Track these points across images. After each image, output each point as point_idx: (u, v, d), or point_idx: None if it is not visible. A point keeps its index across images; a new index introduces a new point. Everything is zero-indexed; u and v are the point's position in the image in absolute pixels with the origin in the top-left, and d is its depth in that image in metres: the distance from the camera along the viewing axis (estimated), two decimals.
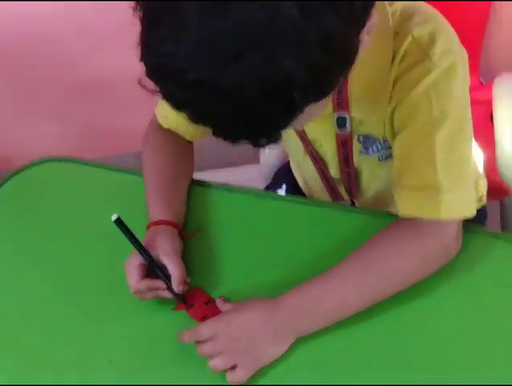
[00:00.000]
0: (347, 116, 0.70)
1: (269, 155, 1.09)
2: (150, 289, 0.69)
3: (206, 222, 0.80)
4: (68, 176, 0.95)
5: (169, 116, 0.81)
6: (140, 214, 0.77)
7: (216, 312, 0.68)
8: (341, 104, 0.68)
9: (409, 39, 0.63)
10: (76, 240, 0.82)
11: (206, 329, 0.64)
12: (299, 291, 0.64)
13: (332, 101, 0.68)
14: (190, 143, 0.85)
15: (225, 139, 0.52)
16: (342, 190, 0.86)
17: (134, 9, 0.49)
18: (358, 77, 0.62)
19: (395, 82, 0.65)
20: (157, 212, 0.74)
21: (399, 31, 0.63)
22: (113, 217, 0.68)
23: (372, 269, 0.64)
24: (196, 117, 0.51)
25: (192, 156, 0.85)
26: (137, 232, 0.70)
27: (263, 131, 0.50)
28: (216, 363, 0.62)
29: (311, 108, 0.51)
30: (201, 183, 0.85)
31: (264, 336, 0.63)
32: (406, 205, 0.66)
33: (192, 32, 0.45)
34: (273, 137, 0.51)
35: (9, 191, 0.94)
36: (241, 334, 0.63)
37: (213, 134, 0.52)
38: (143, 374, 0.66)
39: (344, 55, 0.49)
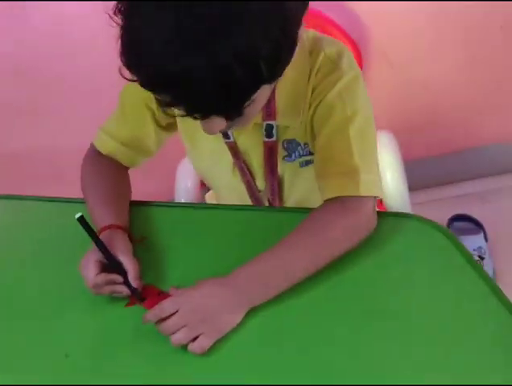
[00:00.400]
0: (274, 124, 0.84)
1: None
2: (108, 282, 0.73)
3: (149, 232, 0.86)
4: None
5: (108, 143, 0.90)
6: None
7: None
8: (269, 114, 0.83)
9: (322, 55, 0.80)
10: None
11: (169, 304, 0.69)
12: (248, 266, 0.73)
13: (262, 112, 0.83)
14: (126, 169, 0.93)
15: (202, 115, 0.62)
16: (265, 202, 0.98)
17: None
18: (283, 89, 0.78)
19: (313, 90, 0.81)
20: (107, 219, 0.79)
21: (313, 50, 0.80)
22: (77, 215, 0.73)
23: (311, 241, 0.74)
24: (177, 97, 0.60)
25: (129, 180, 0.92)
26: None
27: (238, 101, 0.62)
28: (180, 336, 0.67)
29: (263, 92, 0.64)
30: (141, 202, 0.92)
31: (221, 307, 0.70)
32: (331, 188, 0.79)
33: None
34: (240, 110, 0.63)
35: None
36: (201, 307, 0.69)
37: (188, 112, 0.62)
38: (99, 365, 0.70)
39: (292, 44, 0.63)
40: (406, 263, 0.79)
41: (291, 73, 0.73)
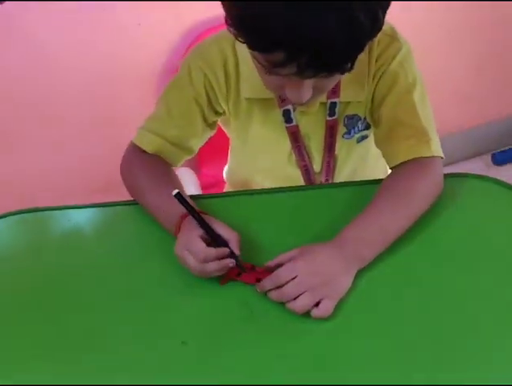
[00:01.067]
0: (337, 101, 0.88)
1: None
2: (217, 256, 0.72)
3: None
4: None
5: (154, 141, 0.89)
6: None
7: (266, 274, 0.73)
8: (334, 91, 0.86)
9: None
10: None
11: (286, 270, 0.70)
12: (349, 230, 0.75)
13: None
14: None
15: (315, 70, 0.64)
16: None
17: None
18: None
19: (376, 61, 0.85)
20: (180, 209, 0.77)
21: None
22: (174, 192, 0.74)
23: (400, 201, 0.78)
24: (299, 52, 0.61)
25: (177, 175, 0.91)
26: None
27: (359, 50, 0.65)
28: (304, 301, 0.68)
29: None
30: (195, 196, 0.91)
31: (338, 268, 0.72)
32: (404, 151, 0.83)
33: None
34: (354, 62, 0.67)
35: None
36: (320, 269, 0.71)
37: (303, 68, 0.63)
38: (217, 351, 0.69)
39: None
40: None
41: None
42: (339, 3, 0.59)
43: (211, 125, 0.94)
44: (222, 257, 0.73)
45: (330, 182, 1.00)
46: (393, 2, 0.66)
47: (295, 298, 0.69)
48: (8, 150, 1.50)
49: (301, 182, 0.99)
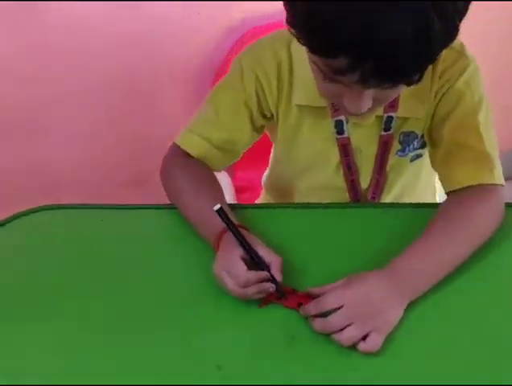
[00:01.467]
0: (394, 115, 0.82)
1: None
2: (258, 280, 0.68)
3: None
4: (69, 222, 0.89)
5: (200, 145, 0.85)
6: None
7: (309, 299, 0.69)
8: (392, 104, 0.81)
9: None
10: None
11: (332, 297, 0.66)
12: (404, 258, 0.70)
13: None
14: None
15: (380, 80, 0.59)
16: (365, 201, 0.95)
17: None
18: None
19: (440, 78, 0.79)
20: (220, 222, 0.72)
21: None
22: (216, 207, 0.70)
23: (461, 228, 0.73)
24: (364, 57, 0.56)
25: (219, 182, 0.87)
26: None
27: (433, 56, 0.59)
28: (351, 333, 0.63)
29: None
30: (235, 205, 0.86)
31: (388, 300, 0.66)
32: (465, 176, 0.78)
33: None
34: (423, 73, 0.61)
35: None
36: (368, 300, 0.66)
37: (367, 76, 0.58)
38: (253, 379, 0.63)
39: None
40: None
41: None
42: (413, 4, 0.53)
43: (258, 130, 0.90)
44: (262, 281, 0.68)
45: (377, 200, 0.94)
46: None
47: (340, 329, 0.64)
48: (35, 138, 1.48)
49: (346, 196, 0.94)
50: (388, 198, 0.95)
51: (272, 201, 1.10)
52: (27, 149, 1.50)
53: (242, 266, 0.68)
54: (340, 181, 0.92)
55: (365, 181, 0.91)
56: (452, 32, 0.58)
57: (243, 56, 0.86)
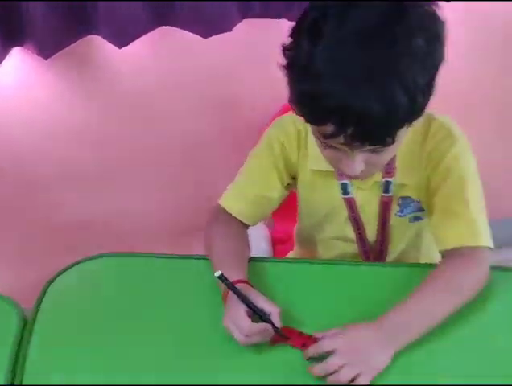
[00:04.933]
0: (392, 180, 0.96)
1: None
2: (260, 330, 0.82)
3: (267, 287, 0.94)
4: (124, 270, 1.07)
5: (236, 204, 1.02)
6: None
7: (313, 340, 0.83)
8: (389, 171, 0.94)
9: (435, 121, 0.93)
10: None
11: (328, 341, 0.80)
12: (393, 313, 0.82)
13: (382, 171, 0.94)
14: (247, 227, 1.05)
15: (361, 142, 0.75)
16: (372, 254, 1.08)
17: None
18: (401, 150, 0.90)
19: (429, 153, 0.93)
20: (235, 275, 0.87)
21: (425, 117, 0.92)
22: (217, 273, 0.82)
23: (446, 289, 0.85)
24: (344, 126, 0.73)
25: (248, 239, 1.03)
26: None
27: (396, 128, 0.75)
28: (346, 373, 0.76)
29: (401, 135, 0.78)
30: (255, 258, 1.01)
31: (376, 347, 0.79)
32: (453, 238, 0.90)
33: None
34: (394, 137, 0.76)
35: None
36: (360, 347, 0.79)
37: (350, 139, 0.74)
38: None
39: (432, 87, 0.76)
40: None
41: (408, 135, 0.86)
42: (380, 84, 0.70)
43: (287, 187, 1.05)
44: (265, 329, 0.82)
45: (385, 253, 1.07)
46: None
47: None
48: (110, 189, 1.67)
49: (356, 247, 1.07)
50: (394, 252, 1.07)
51: (299, 250, 1.26)
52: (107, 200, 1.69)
53: (247, 320, 0.82)
54: (350, 233, 1.05)
55: (371, 235, 1.04)
56: (413, 105, 0.73)
57: (271, 129, 1.03)
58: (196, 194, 1.67)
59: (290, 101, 0.79)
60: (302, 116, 0.78)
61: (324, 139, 0.78)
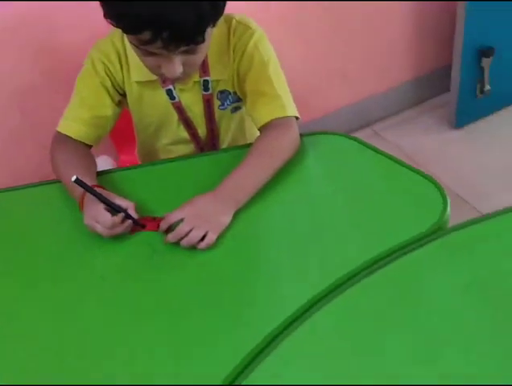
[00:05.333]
0: (209, 79, 1.10)
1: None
2: (120, 220, 0.94)
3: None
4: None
5: (73, 127, 1.10)
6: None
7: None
8: (205, 70, 1.09)
9: (234, 20, 1.08)
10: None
11: (175, 213, 0.94)
12: (228, 178, 0.98)
13: (199, 71, 1.08)
14: (90, 147, 1.14)
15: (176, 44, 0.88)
16: (206, 149, 1.22)
17: None
18: (212, 50, 1.04)
19: (234, 46, 1.08)
20: (87, 181, 0.95)
21: (226, 18, 1.07)
22: (73, 178, 0.91)
23: (265, 156, 1.02)
24: (159, 32, 0.84)
25: (93, 157, 1.13)
26: None
27: (204, 28, 0.88)
28: (195, 234, 0.90)
29: (208, 36, 0.92)
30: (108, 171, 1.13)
31: (218, 209, 0.95)
32: (265, 115, 1.07)
33: None
34: (204, 36, 0.90)
35: None
36: (203, 211, 0.94)
37: (165, 43, 0.86)
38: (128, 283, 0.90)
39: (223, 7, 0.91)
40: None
41: (215, 36, 1.01)
42: None
43: (118, 104, 1.14)
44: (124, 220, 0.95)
45: (217, 146, 1.22)
46: None
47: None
48: None
49: (193, 146, 1.22)
50: (225, 143, 1.23)
51: None
52: None
53: (107, 214, 0.92)
54: (184, 134, 1.19)
55: (202, 132, 1.19)
56: (215, 9, 0.88)
57: (91, 51, 1.11)
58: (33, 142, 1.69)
59: (106, 16, 0.89)
60: (119, 27, 0.89)
61: (143, 46, 0.89)
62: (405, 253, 0.85)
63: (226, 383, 0.72)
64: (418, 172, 1.01)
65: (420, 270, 0.84)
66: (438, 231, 0.89)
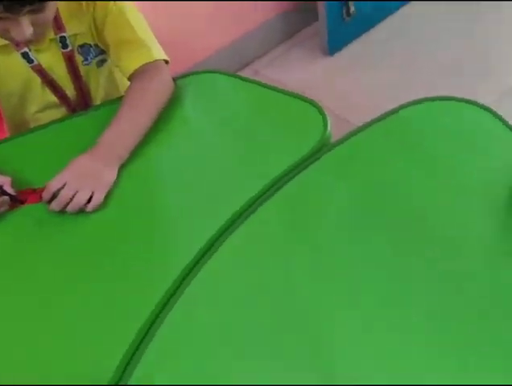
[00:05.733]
0: (66, 35, 1.03)
1: None
2: None
3: None
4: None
5: None
6: None
7: None
8: (59, 27, 1.01)
9: None
10: None
11: (55, 181, 0.88)
12: (105, 134, 0.94)
13: (53, 28, 1.01)
14: None
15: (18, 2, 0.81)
16: (79, 109, 1.15)
17: None
18: (62, 4, 0.98)
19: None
20: None
21: None
22: None
23: (138, 98, 0.99)
24: None
25: None
26: None
27: None
28: (81, 196, 0.86)
29: None
30: None
31: (100, 166, 0.91)
32: (132, 62, 1.02)
33: None
34: None
35: None
36: (84, 172, 0.90)
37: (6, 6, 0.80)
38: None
39: None
40: None
41: None
42: None
43: None
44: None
45: (89, 104, 1.16)
46: None
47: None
48: None
49: (65, 110, 1.14)
50: (98, 99, 1.17)
51: None
52: None
53: None
54: (52, 98, 1.11)
55: (71, 92, 1.12)
56: None
57: None
58: None
59: None
60: None
61: None
62: (293, 177, 0.87)
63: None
64: (296, 96, 1.02)
65: (310, 190, 0.86)
66: (322, 148, 0.91)
